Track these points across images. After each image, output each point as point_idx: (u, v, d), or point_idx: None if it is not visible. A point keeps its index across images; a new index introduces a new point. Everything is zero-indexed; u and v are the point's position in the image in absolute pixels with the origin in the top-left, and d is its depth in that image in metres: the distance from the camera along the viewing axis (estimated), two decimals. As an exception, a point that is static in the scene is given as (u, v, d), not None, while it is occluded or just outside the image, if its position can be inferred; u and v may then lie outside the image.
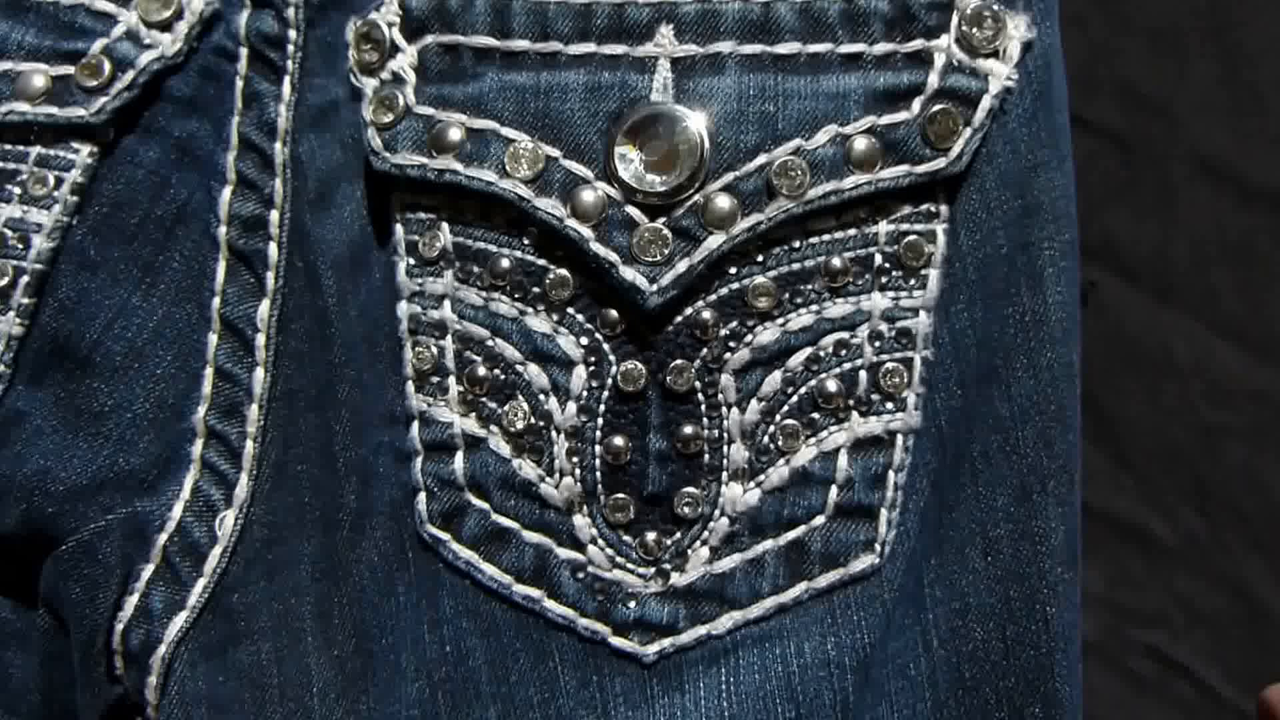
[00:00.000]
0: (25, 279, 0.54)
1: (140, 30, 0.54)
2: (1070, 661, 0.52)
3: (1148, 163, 0.84)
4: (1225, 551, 0.83)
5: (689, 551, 0.51)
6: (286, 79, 0.54)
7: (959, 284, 0.51)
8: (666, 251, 0.49)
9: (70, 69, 0.54)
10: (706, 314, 0.50)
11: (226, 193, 0.54)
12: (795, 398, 0.51)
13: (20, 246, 0.54)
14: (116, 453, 0.55)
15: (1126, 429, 0.84)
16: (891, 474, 0.51)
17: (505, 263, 0.51)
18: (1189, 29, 0.84)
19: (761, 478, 0.51)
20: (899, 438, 0.51)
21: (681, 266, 0.49)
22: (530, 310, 0.51)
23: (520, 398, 0.51)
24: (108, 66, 0.54)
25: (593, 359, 0.51)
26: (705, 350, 0.50)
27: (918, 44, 0.50)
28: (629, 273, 0.49)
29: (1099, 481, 0.84)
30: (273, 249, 0.54)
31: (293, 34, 0.54)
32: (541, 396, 0.51)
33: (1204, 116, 0.83)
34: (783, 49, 0.49)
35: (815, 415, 0.51)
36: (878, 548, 0.51)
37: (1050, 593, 0.51)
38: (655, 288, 0.49)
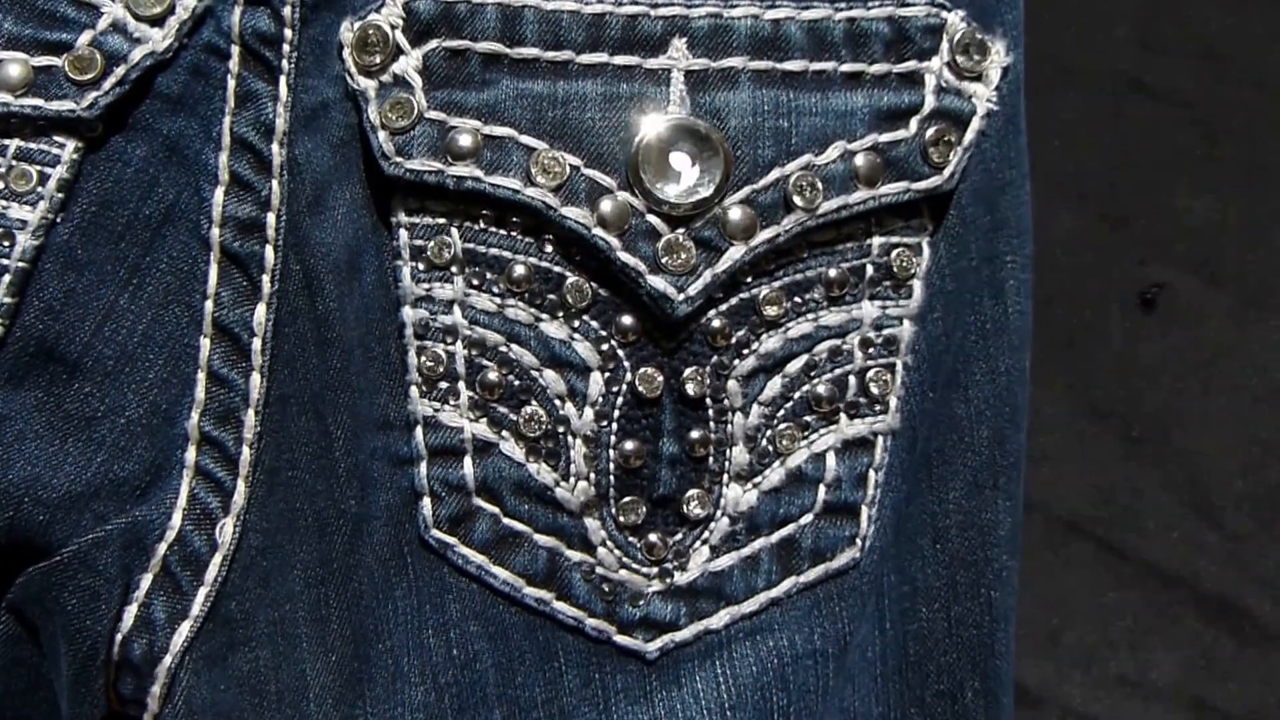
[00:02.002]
0: (7, 278, 0.51)
1: (128, 23, 0.51)
2: (1008, 640, 0.57)
3: (1228, 137, 0.70)
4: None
5: (690, 551, 0.53)
6: (282, 79, 0.52)
7: (936, 294, 0.54)
8: (691, 261, 0.51)
9: (53, 60, 0.51)
10: (718, 322, 0.52)
11: (219, 194, 0.52)
12: (791, 402, 0.53)
13: (3, 244, 0.51)
14: (111, 460, 0.53)
15: (1210, 470, 0.71)
16: (873, 473, 0.54)
17: (521, 269, 0.51)
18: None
19: (759, 479, 0.53)
20: (880, 439, 0.54)
21: (707, 276, 0.51)
22: (546, 317, 0.51)
23: (535, 403, 0.52)
24: (99, 60, 0.51)
25: (609, 365, 0.52)
26: (716, 357, 0.52)
27: (911, 65, 0.52)
28: (657, 282, 0.50)
29: (1180, 541, 0.70)
30: (269, 252, 0.53)
31: (288, 33, 0.52)
32: (558, 402, 0.52)
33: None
34: (790, 66, 0.51)
35: (809, 418, 0.53)
36: (859, 542, 0.54)
37: (995, 578, 0.56)
38: (683, 297, 0.50)
